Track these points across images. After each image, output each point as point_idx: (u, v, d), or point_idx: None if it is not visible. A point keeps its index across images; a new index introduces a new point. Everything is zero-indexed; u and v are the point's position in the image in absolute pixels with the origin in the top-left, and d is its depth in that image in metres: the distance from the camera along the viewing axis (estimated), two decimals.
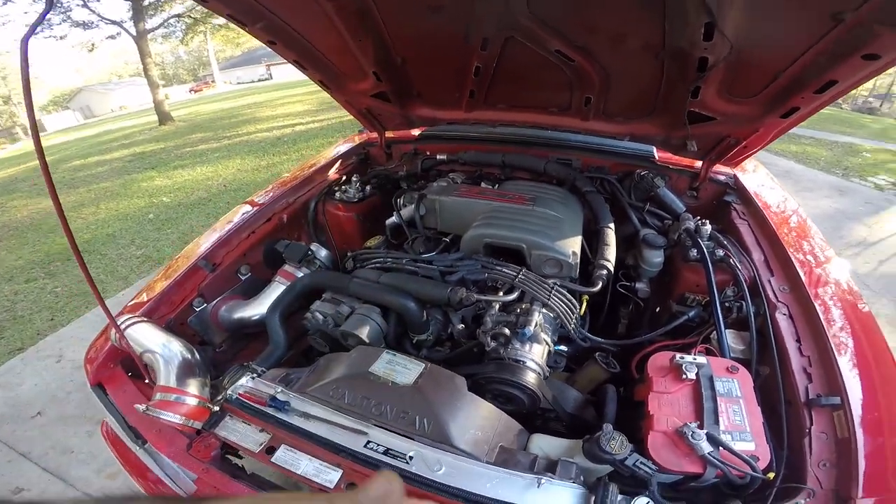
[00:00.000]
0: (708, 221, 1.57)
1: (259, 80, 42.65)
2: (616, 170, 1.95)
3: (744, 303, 1.31)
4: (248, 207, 1.85)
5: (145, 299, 1.47)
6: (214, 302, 1.58)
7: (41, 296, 4.10)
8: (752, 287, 1.36)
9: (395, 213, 1.78)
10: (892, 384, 1.04)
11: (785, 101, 1.32)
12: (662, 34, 1.27)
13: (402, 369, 1.08)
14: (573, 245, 1.44)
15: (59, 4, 12.66)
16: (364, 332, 1.27)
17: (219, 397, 1.09)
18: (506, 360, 1.19)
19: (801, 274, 1.34)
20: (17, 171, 11.26)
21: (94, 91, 45.50)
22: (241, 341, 1.69)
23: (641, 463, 0.89)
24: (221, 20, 16.33)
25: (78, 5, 13.11)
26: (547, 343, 1.28)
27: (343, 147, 2.48)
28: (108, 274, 4.35)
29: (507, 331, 1.23)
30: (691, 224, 1.59)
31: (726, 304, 1.35)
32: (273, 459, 0.96)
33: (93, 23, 13.95)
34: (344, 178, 2.11)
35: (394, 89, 1.87)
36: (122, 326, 1.19)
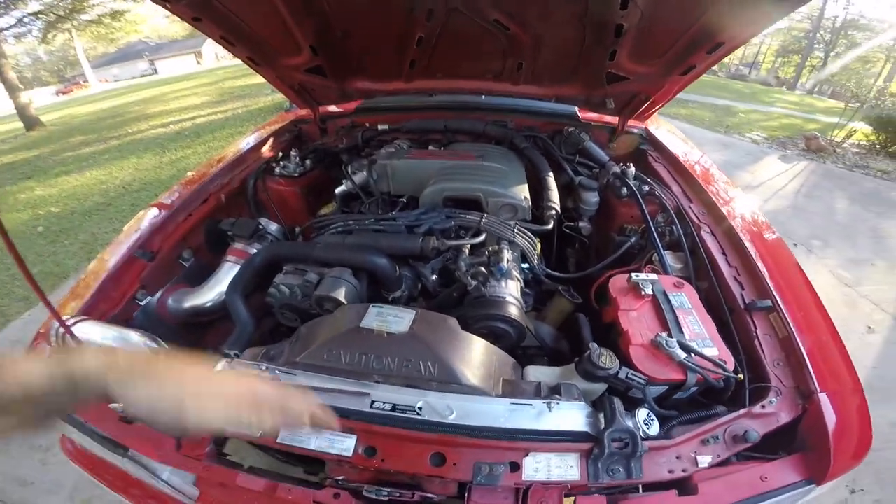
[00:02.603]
0: (632, 164, 1.76)
1: (141, 76, 38.22)
2: (545, 129, 2.11)
3: (674, 226, 1.50)
4: (155, 211, 1.65)
5: (76, 302, 1.31)
6: (160, 293, 1.46)
7: None
8: (678, 213, 1.55)
9: (345, 180, 1.76)
10: (804, 287, 1.22)
11: (684, 61, 1.53)
12: (586, 3, 1.42)
13: (393, 319, 1.06)
14: (523, 191, 1.55)
15: None
16: (341, 294, 1.25)
17: None
18: (487, 298, 1.24)
19: (715, 201, 1.56)
20: None
21: None
22: (193, 335, 1.59)
23: (632, 375, 0.95)
24: (90, 15, 14.45)
25: None
26: (518, 279, 1.36)
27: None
28: (3, 297, 3.75)
29: (483, 269, 1.29)
30: (617, 169, 1.77)
31: (659, 230, 1.53)
32: (279, 440, 0.89)
33: None
34: (281, 154, 2.02)
35: (331, 63, 1.84)
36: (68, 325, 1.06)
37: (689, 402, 1.04)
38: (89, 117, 13.42)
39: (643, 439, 0.84)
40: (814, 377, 0.95)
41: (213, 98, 12.40)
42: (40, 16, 13.44)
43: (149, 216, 1.62)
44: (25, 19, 13.38)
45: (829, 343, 1.05)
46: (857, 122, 7.74)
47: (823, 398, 0.91)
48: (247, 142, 2.17)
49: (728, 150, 7.04)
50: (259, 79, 1.84)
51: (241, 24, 1.54)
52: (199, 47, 41.77)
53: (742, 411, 0.92)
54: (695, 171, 1.77)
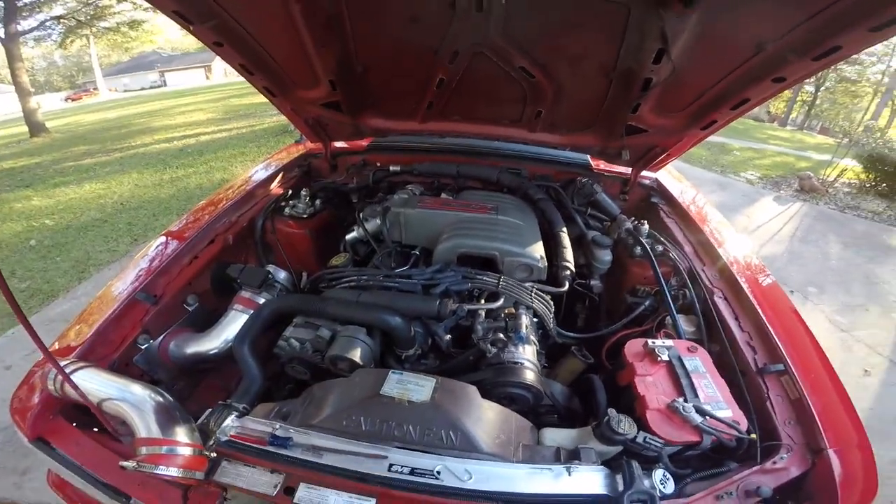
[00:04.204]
0: (646, 222, 1.75)
1: (151, 87, 38.69)
2: (558, 177, 2.10)
3: (687, 290, 1.50)
4: (163, 240, 1.64)
5: (74, 343, 1.28)
6: (161, 337, 1.41)
7: None
8: (690, 276, 1.56)
9: (356, 227, 1.73)
10: (812, 349, 1.26)
11: (706, 116, 1.54)
12: (616, 57, 1.42)
13: (415, 387, 1.06)
14: (539, 249, 1.52)
15: None
16: (357, 355, 1.23)
17: (210, 442, 0.98)
18: (506, 364, 1.23)
19: (727, 260, 1.57)
20: None
21: None
22: (192, 377, 1.54)
23: (650, 439, 0.98)
24: (109, 23, 14.71)
25: None
26: (535, 343, 1.35)
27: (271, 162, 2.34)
28: None
29: (502, 335, 1.28)
30: (629, 224, 1.76)
31: (671, 293, 1.52)
32: (296, 500, 0.89)
33: None
34: (290, 192, 2.00)
35: (348, 99, 1.82)
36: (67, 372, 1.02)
37: (700, 458, 1.07)
38: (95, 126, 13.46)
39: (661, 498, 0.87)
40: (823, 435, 1.00)
41: (219, 115, 12.48)
42: (62, 20, 13.64)
43: (156, 246, 1.61)
44: (48, 23, 13.54)
45: (838, 402, 1.10)
46: (847, 159, 7.90)
47: (832, 454, 0.96)
48: (256, 174, 2.15)
49: (725, 191, 7.15)
50: (264, 98, 1.82)
51: (262, 53, 1.51)
52: (210, 62, 42.39)
53: (755, 468, 0.95)
54: (704, 226, 1.78)
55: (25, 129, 12.41)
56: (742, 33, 1.20)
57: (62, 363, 1.07)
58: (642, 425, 1.02)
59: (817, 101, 27.89)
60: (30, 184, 7.44)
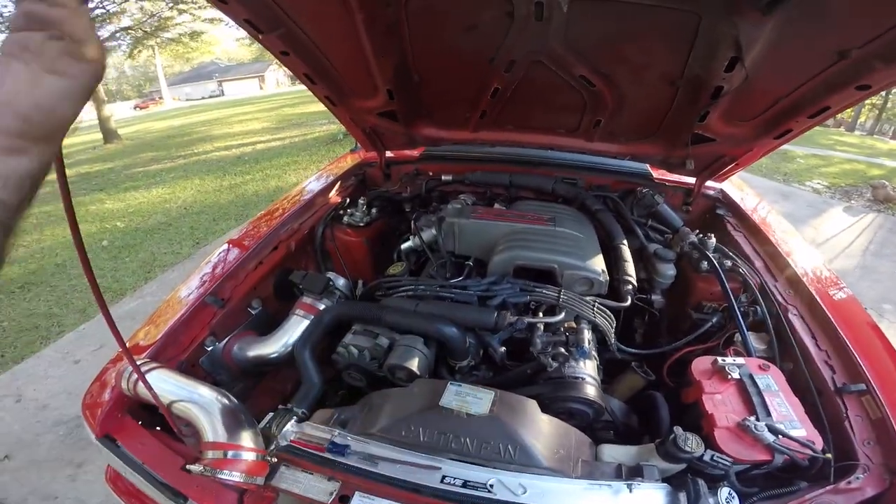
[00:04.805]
0: (713, 235, 1.66)
1: (210, 97, 41.18)
2: (616, 188, 2.03)
3: (758, 307, 1.42)
4: (225, 247, 1.71)
5: (144, 343, 1.35)
6: (226, 340, 1.46)
7: None
8: (762, 292, 1.47)
9: (412, 236, 1.75)
10: (894, 367, 1.18)
11: (780, 125, 1.45)
12: (684, 65, 1.37)
13: (473, 399, 1.06)
14: (600, 263, 1.48)
15: None
16: (414, 365, 1.23)
17: (271, 447, 1.01)
18: (566, 378, 1.21)
19: (799, 273, 1.48)
20: None
21: None
22: (251, 380, 1.59)
23: (717, 457, 0.95)
24: (171, 34, 15.84)
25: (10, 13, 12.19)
26: (595, 358, 1.31)
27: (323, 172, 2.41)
28: (62, 307, 3.94)
29: (563, 350, 1.26)
30: (694, 238, 1.67)
31: (741, 310, 1.44)
32: None
33: None
34: (347, 200, 2.05)
35: (404, 108, 1.84)
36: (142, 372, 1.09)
37: (766, 476, 1.02)
38: (161, 134, 14.45)
39: None
40: None
41: (272, 124, 13.07)
42: (130, 31, 14.71)
43: (220, 253, 1.68)
44: (118, 34, 14.63)
45: None
46: None
47: None
48: (314, 183, 2.22)
49: (788, 200, 6.68)
50: (315, 107, 1.89)
51: (324, 62, 1.55)
52: (263, 72, 44.69)
53: (828, 487, 0.93)
54: (775, 240, 1.68)
55: (100, 135, 13.46)
56: (823, 40, 1.12)
57: (138, 363, 1.13)
58: (709, 443, 0.99)
59: (889, 105, 25.69)
60: (103, 188, 8.06)
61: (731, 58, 1.24)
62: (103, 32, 14.18)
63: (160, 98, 38.98)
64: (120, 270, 4.63)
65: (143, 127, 17.22)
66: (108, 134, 13.23)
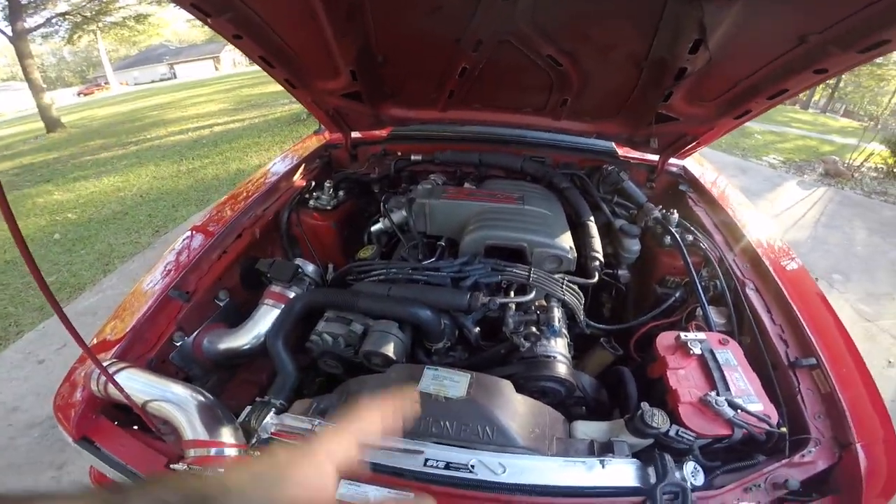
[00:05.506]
0: (675, 210, 1.71)
1: (161, 80, 38.92)
2: (583, 165, 2.06)
3: (718, 281, 1.47)
4: (188, 234, 1.66)
5: (111, 339, 1.30)
6: (195, 334, 1.42)
7: None
8: (721, 266, 1.52)
9: (382, 218, 1.73)
10: (842, 341, 1.25)
11: (741, 105, 1.50)
12: (649, 46, 1.38)
13: (450, 383, 1.06)
14: (567, 240, 1.50)
15: None
16: (390, 350, 1.23)
17: (253, 441, 0.99)
18: (539, 358, 1.23)
19: (753, 245, 1.54)
20: None
21: None
22: (224, 373, 1.56)
23: (682, 432, 0.99)
24: (114, 18, 14.78)
25: None
26: (566, 335, 1.34)
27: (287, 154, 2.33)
28: (17, 305, 3.71)
29: (534, 329, 1.27)
30: (658, 213, 1.72)
31: (702, 284, 1.49)
32: (337, 496, 0.90)
33: None
34: (313, 183, 2.00)
35: (368, 89, 1.79)
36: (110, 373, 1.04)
37: (727, 450, 1.07)
38: (108, 120, 13.63)
39: (691, 490, 0.89)
40: (853, 429, 1.00)
41: (230, 105, 12.54)
42: (67, 17, 13.77)
43: (183, 241, 1.62)
44: (54, 20, 13.67)
45: (866, 396, 1.10)
46: (874, 143, 7.63)
47: (859, 448, 0.98)
48: (278, 165, 2.15)
49: (746, 175, 6.98)
50: (276, 87, 1.81)
51: (281, 45, 1.49)
52: (218, 53, 42.43)
53: (783, 461, 0.97)
54: (733, 214, 1.74)
55: (41, 124, 12.61)
56: (784, 24, 1.16)
57: (104, 364, 1.09)
58: (674, 418, 1.02)
59: (841, 84, 26.96)
60: (50, 178, 7.59)
61: (696, 40, 1.26)
62: (37, 19, 13.19)
63: (106, 83, 36.66)
64: (76, 264, 4.40)
65: (89, 114, 16.20)
66: (51, 123, 12.40)
